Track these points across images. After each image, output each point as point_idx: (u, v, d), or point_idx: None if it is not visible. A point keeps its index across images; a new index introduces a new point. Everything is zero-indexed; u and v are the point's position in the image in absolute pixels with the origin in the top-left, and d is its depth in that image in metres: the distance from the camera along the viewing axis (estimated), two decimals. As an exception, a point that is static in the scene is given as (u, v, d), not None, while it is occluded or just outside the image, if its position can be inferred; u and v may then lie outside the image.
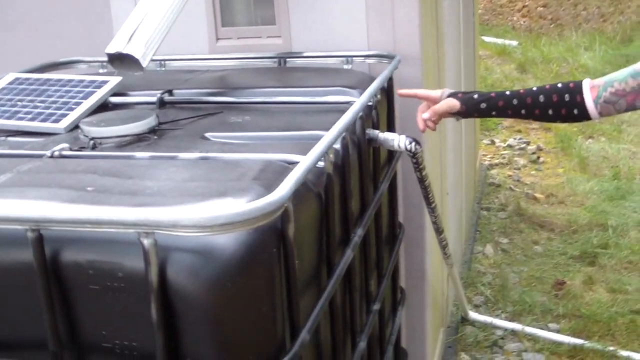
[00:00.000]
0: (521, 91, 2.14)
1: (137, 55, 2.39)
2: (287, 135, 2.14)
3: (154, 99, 2.49)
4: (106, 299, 1.48)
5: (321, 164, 1.81)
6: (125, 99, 2.51)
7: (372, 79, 2.57)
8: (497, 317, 4.43)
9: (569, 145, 7.53)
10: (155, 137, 2.13)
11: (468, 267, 5.01)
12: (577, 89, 2.06)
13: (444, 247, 3.18)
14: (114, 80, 2.51)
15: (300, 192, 1.60)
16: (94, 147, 2.05)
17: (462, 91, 2.24)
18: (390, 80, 2.71)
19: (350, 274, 2.06)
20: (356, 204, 2.18)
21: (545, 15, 13.76)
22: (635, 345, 4.09)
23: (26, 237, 1.43)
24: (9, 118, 2.33)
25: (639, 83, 1.97)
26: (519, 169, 7.12)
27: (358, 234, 2.11)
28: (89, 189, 1.63)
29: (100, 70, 3.00)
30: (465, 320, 4.35)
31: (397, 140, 2.39)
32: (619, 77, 2.02)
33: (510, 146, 7.71)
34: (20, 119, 2.32)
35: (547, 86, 2.12)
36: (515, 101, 2.12)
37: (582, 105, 2.05)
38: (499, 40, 12.28)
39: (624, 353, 4.02)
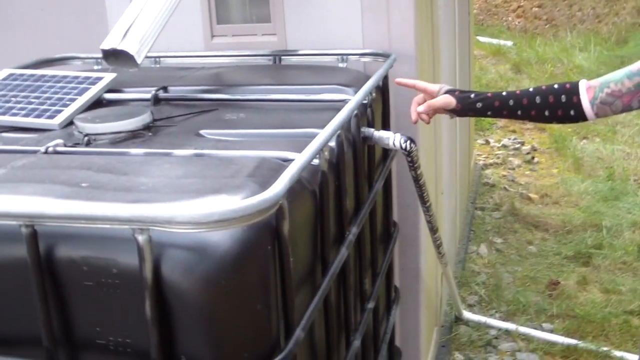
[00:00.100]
0: (517, 92, 2.14)
1: (131, 52, 2.38)
2: (281, 133, 2.14)
3: (148, 95, 2.48)
4: (100, 296, 1.47)
5: (316, 161, 1.80)
6: (119, 96, 2.50)
7: (367, 77, 2.57)
8: (491, 316, 4.44)
9: (564, 145, 7.54)
10: (150, 133, 2.12)
11: (462, 266, 5.02)
12: (573, 90, 2.06)
13: (438, 246, 3.18)
14: (108, 77, 2.50)
15: (295, 190, 1.60)
16: (88, 144, 2.04)
17: (460, 89, 2.24)
18: (385, 78, 2.71)
19: (345, 272, 2.05)
20: (351, 202, 2.18)
21: (540, 16, 13.78)
22: (628, 345, 4.10)
23: (20, 232, 1.43)
24: (3, 114, 2.32)
25: (635, 84, 1.97)
26: (513, 169, 7.13)
27: (353, 232, 2.11)
28: (83, 185, 1.62)
29: (95, 67, 2.99)
30: (459, 319, 4.35)
31: (392, 138, 2.39)
32: (615, 78, 2.02)
33: (504, 146, 7.72)
34: (15, 114, 2.31)
35: (544, 87, 2.11)
36: (511, 102, 2.12)
37: (578, 106, 2.05)
38: (494, 41, 12.30)
39: (617, 353, 4.02)
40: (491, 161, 7.31)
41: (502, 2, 14.24)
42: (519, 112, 2.12)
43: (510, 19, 14.05)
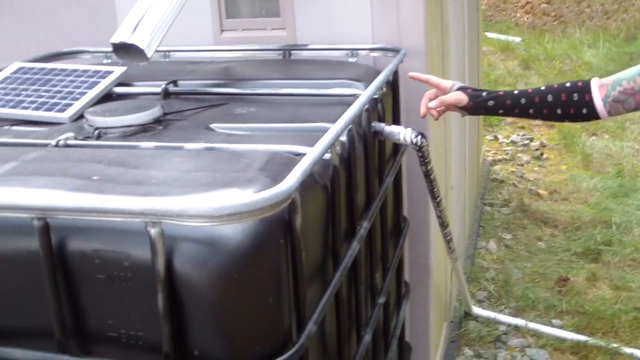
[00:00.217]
0: (529, 90, 2.13)
1: (142, 46, 2.38)
2: (292, 127, 2.13)
3: (158, 89, 2.48)
4: (112, 289, 1.47)
5: (328, 155, 1.79)
6: (129, 90, 2.50)
7: (377, 72, 2.56)
8: (501, 312, 4.42)
9: (573, 142, 7.51)
10: (160, 127, 2.12)
11: (471, 262, 5.01)
12: (585, 88, 2.05)
13: (448, 241, 3.17)
14: (118, 71, 2.50)
15: (307, 184, 1.59)
16: (98, 137, 2.04)
17: (472, 87, 2.23)
18: (395, 73, 2.70)
19: (356, 266, 2.05)
20: (362, 197, 2.17)
21: (549, 12, 13.73)
22: (639, 342, 4.08)
23: (32, 225, 1.43)
24: (13, 107, 2.32)
25: None
26: (522, 165, 7.11)
27: (364, 226, 2.10)
28: (94, 178, 1.62)
29: (104, 61, 2.99)
30: (468, 315, 4.34)
31: (403, 133, 2.38)
32: (627, 75, 2.01)
33: (513, 142, 7.70)
34: (25, 108, 2.31)
35: (555, 85, 2.10)
36: (523, 100, 2.11)
37: (590, 104, 2.04)
38: (502, 37, 12.25)
39: (627, 350, 4.01)
40: (500, 157, 7.29)
41: (510, -2, 14.21)
42: (531, 111, 2.11)
43: (518, 15, 14.01)
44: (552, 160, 7.24)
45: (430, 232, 3.17)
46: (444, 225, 3.00)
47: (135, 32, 2.40)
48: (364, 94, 2.16)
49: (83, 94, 2.36)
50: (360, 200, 2.11)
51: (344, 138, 1.97)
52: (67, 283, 1.50)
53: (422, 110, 2.22)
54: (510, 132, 8.01)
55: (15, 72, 2.55)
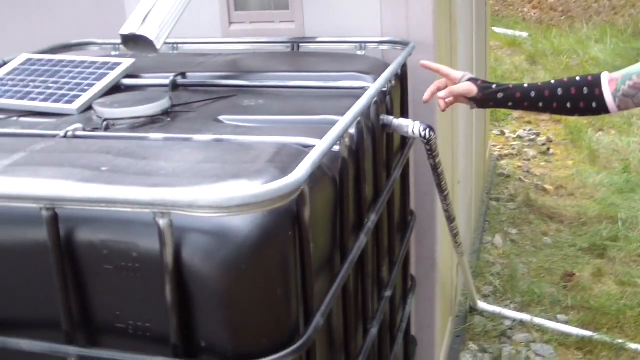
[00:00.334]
0: (539, 84, 2.12)
1: (151, 37, 2.37)
2: (300, 120, 2.13)
3: (166, 81, 2.47)
4: (120, 280, 1.47)
5: (336, 148, 1.79)
6: (137, 81, 2.50)
7: (385, 65, 2.55)
8: (506, 307, 4.42)
9: (579, 137, 7.50)
10: (169, 119, 2.11)
11: (477, 257, 5.00)
12: (595, 82, 2.04)
13: (454, 235, 3.17)
14: (126, 63, 2.49)
15: (315, 176, 1.59)
16: (107, 128, 2.04)
17: (482, 79, 2.23)
18: (404, 66, 2.69)
19: (363, 259, 2.04)
20: (370, 190, 2.17)
21: (556, 7, 13.70)
22: (644, 338, 4.09)
23: (41, 215, 1.43)
24: (21, 98, 2.32)
25: None
26: (528, 160, 7.09)
27: (372, 219, 2.10)
28: (103, 168, 1.62)
29: (112, 53, 2.98)
30: (473, 309, 4.34)
31: (412, 126, 2.37)
32: (637, 70, 2.01)
33: (520, 137, 7.68)
34: (33, 99, 2.31)
35: (565, 79, 2.10)
36: (533, 93, 2.10)
37: (600, 98, 2.03)
38: (510, 32, 12.22)
39: (632, 346, 4.00)
40: (506, 152, 7.28)
41: (517, -7, 14.17)
42: (541, 104, 2.11)
43: (526, 10, 13.98)
44: (558, 155, 7.23)
45: (437, 226, 3.17)
46: (450, 219, 3.00)
47: (144, 24, 2.39)
48: (373, 87, 2.16)
49: (91, 85, 2.36)
50: (368, 193, 2.11)
51: (352, 130, 1.96)
52: (75, 274, 1.50)
53: (427, 95, 2.22)
54: (517, 127, 8.00)
55: (23, 64, 2.55)
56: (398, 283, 2.68)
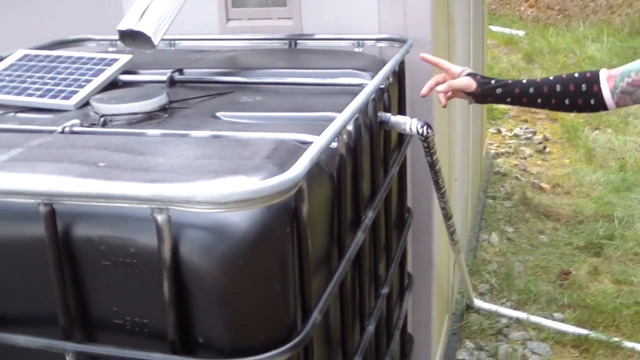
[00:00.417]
0: (538, 80, 2.13)
1: (149, 33, 2.37)
2: (298, 116, 2.13)
3: (164, 77, 2.47)
4: (117, 275, 1.46)
5: (334, 144, 1.79)
6: (135, 77, 2.49)
7: (383, 62, 2.55)
8: (502, 305, 4.42)
9: (576, 136, 7.51)
10: (166, 115, 2.11)
11: (473, 254, 5.00)
12: (594, 79, 2.05)
13: (452, 233, 3.17)
14: (123, 59, 2.49)
15: (313, 172, 1.59)
16: (104, 124, 2.03)
17: (481, 74, 2.23)
18: (402, 64, 2.69)
19: (361, 256, 2.04)
20: (367, 187, 2.17)
21: (553, 6, 13.71)
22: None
23: (38, 211, 1.42)
24: (18, 94, 2.31)
25: None
26: (525, 158, 7.10)
27: (369, 216, 2.10)
28: (100, 164, 1.62)
29: (110, 49, 2.98)
30: (470, 307, 4.34)
31: (409, 123, 2.37)
32: (636, 67, 2.01)
33: (516, 135, 7.69)
34: (30, 95, 2.30)
35: (564, 75, 2.10)
36: (531, 89, 2.11)
37: (599, 95, 2.04)
38: (506, 30, 12.23)
39: (628, 344, 4.01)
40: (503, 150, 7.28)
41: (514, -9, 14.18)
42: (539, 100, 2.11)
43: (522, 8, 13.98)
44: (555, 153, 7.24)
45: (434, 223, 3.17)
46: (447, 216, 3.00)
47: (142, 20, 2.39)
48: (371, 84, 2.16)
49: (88, 81, 2.35)
50: (365, 190, 2.11)
51: (350, 127, 1.96)
52: (73, 269, 1.50)
53: (425, 89, 2.22)
54: (513, 125, 8.00)
55: (20, 59, 2.55)
56: (395, 280, 2.67)
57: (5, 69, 2.48)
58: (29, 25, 3.40)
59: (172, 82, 2.46)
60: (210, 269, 1.41)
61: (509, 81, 2.15)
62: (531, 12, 13.84)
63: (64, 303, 1.50)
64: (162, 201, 1.32)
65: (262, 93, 2.36)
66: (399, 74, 2.68)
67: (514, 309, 4.37)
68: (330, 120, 1.79)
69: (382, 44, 2.90)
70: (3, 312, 1.61)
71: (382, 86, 2.35)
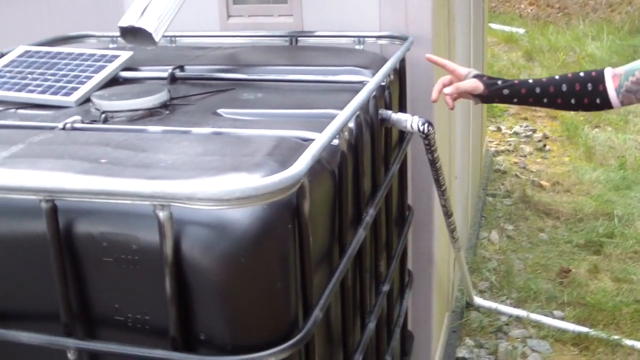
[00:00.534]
0: (543, 79, 2.13)
1: (150, 29, 2.37)
2: (299, 113, 2.13)
3: (165, 74, 2.46)
4: (119, 272, 1.46)
5: (336, 141, 1.79)
6: (136, 74, 2.49)
7: (384, 60, 2.55)
8: (502, 303, 4.42)
9: (575, 134, 7.50)
10: (167, 112, 2.11)
11: (473, 252, 5.00)
12: (599, 78, 2.05)
13: (452, 230, 3.16)
14: (124, 55, 2.49)
15: (315, 169, 1.59)
16: (105, 121, 2.03)
17: (488, 75, 2.23)
18: (402, 61, 2.69)
19: (362, 254, 2.04)
20: (368, 184, 2.16)
21: (553, 4, 13.71)
22: (639, 334, 4.09)
23: (40, 207, 1.42)
24: (19, 90, 2.31)
25: None
26: (525, 156, 7.09)
27: (370, 213, 2.10)
28: (102, 161, 1.62)
29: (111, 45, 2.98)
30: (470, 305, 4.34)
31: (410, 120, 2.37)
32: None
33: (516, 133, 7.68)
34: (31, 91, 2.30)
35: (569, 75, 2.11)
36: (538, 89, 2.11)
37: (604, 94, 2.05)
38: (506, 28, 12.22)
39: (628, 342, 4.01)
40: (503, 148, 7.28)
41: (514, -11, 14.18)
42: (545, 100, 2.11)
43: (522, 6, 13.98)
44: (554, 151, 7.23)
45: (434, 221, 3.17)
46: (448, 214, 3.00)
47: (143, 16, 2.39)
48: (372, 81, 2.15)
49: (89, 77, 2.35)
50: (366, 187, 2.11)
51: (351, 124, 1.96)
52: (74, 266, 1.50)
53: (434, 95, 2.22)
54: (513, 123, 8.00)
55: (21, 56, 2.55)
56: (395, 278, 2.67)
57: (6, 65, 2.48)
58: (30, 22, 3.40)
59: (173, 79, 2.46)
60: (211, 265, 1.41)
61: (515, 81, 2.15)
62: (531, 10, 13.84)
63: (66, 300, 1.50)
64: (163, 198, 1.32)
65: (263, 90, 2.36)
66: (400, 72, 2.68)
67: (514, 307, 4.37)
68: (332, 117, 1.79)
69: (383, 42, 2.90)
70: (5, 309, 1.61)
71: (383, 83, 2.35)
